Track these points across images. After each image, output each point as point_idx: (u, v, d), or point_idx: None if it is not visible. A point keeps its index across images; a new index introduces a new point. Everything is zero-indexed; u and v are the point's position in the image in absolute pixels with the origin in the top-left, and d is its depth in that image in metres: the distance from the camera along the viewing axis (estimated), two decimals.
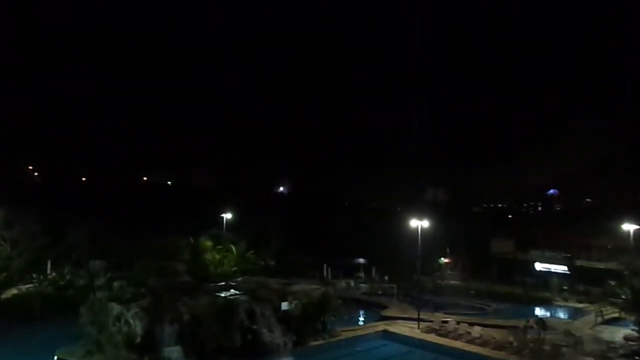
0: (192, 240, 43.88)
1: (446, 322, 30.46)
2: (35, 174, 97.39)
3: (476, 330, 28.75)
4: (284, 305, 27.24)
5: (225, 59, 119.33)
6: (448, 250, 51.07)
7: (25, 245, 38.43)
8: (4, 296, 33.96)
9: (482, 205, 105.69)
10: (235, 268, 43.47)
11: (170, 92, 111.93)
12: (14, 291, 34.95)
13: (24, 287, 35.69)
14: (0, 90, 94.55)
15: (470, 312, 36.45)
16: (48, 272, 37.69)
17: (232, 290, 29.54)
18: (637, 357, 25.19)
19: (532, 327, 28.21)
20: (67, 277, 36.40)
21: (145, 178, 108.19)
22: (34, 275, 37.06)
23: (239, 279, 37.68)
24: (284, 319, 26.70)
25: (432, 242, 37.32)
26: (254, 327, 25.19)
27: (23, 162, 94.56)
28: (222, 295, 27.98)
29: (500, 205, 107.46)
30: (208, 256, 43.45)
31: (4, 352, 24.93)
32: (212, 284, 33.66)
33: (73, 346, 24.54)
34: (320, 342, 27.43)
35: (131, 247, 42.71)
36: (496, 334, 28.40)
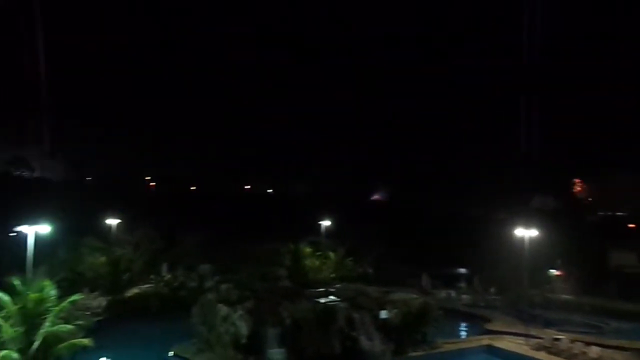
0: (292, 246, 45.26)
1: (558, 339, 28.26)
2: (152, 184, 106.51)
3: (594, 351, 26.33)
4: (383, 314, 27.05)
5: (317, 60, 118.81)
6: (559, 261, 47.49)
7: (144, 248, 42.23)
8: (128, 294, 37.53)
9: (598, 214, 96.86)
10: (333, 274, 44.13)
11: (269, 101, 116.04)
12: (136, 290, 38.51)
13: (143, 287, 39.19)
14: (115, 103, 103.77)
15: (585, 330, 33.45)
16: (164, 273, 41.00)
17: (331, 297, 30.03)
18: None
19: None
20: (180, 279, 39.34)
21: (247, 187, 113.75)
22: (152, 276, 40.62)
23: (337, 285, 38.23)
24: (383, 327, 26.50)
25: (541, 253, 34.97)
26: (353, 334, 25.32)
27: (142, 173, 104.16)
28: (322, 301, 28.53)
29: (619, 214, 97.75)
30: (307, 262, 44.55)
31: (128, 345, 27.43)
32: (312, 290, 34.49)
33: (186, 344, 26.45)
34: (420, 353, 26.81)
35: (236, 252, 45.20)
36: (619, 357, 25.85)
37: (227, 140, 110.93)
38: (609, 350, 26.80)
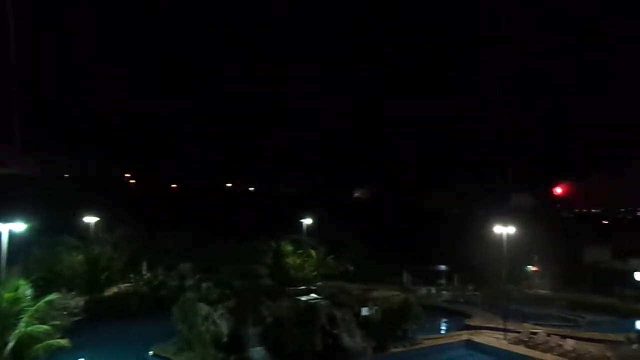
0: (273, 245, 45.15)
1: (535, 333, 28.88)
2: (132, 181, 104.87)
3: (569, 344, 26.99)
4: (365, 311, 27.26)
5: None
6: (536, 258, 48.40)
7: (124, 248, 41.64)
8: (106, 294, 37.00)
9: (574, 211, 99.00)
10: (315, 273, 44.16)
11: (248, 100, 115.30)
12: (115, 289, 37.98)
13: (123, 286, 38.68)
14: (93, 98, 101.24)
15: (562, 324, 34.24)
16: (144, 273, 40.51)
17: (312, 295, 30.14)
18: None
19: (632, 342, 26.03)
20: (161, 278, 38.95)
21: (229, 185, 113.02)
22: (132, 276, 40.06)
23: (319, 283, 38.41)
24: (365, 324, 26.72)
25: (519, 250, 35.60)
26: (335, 331, 25.42)
27: (121, 171, 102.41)
28: (303, 299, 28.60)
29: (594, 211, 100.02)
30: (289, 261, 44.47)
31: (107, 345, 27.04)
32: (293, 288, 34.55)
33: (167, 343, 26.21)
34: (402, 349, 27.10)
35: (217, 251, 44.92)
36: (592, 349, 26.51)
37: (209, 138, 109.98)
38: (583, 343, 27.50)
